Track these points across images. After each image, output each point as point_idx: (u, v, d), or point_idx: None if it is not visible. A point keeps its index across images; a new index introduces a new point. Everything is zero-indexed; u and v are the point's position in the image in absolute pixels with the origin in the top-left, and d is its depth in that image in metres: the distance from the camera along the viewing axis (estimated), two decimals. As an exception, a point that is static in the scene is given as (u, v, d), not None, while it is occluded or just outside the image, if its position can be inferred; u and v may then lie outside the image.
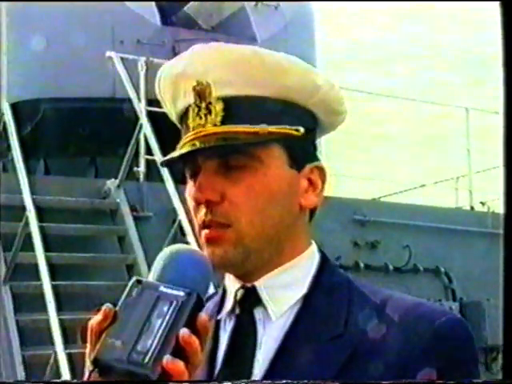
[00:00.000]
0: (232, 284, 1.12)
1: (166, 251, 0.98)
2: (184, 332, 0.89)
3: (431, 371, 1.00)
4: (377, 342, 1.03)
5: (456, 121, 8.16)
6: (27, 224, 5.31)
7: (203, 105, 1.09)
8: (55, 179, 6.83)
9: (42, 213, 5.46)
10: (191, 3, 7.25)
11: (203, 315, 0.93)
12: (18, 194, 5.53)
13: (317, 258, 1.13)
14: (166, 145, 5.94)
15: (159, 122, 5.99)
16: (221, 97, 1.08)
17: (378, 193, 9.67)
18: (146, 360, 0.89)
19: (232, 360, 1.08)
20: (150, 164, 6.04)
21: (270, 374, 1.04)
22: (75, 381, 0.94)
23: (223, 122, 1.08)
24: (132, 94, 6.09)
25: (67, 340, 4.94)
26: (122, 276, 5.87)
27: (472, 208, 8.17)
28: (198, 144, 1.08)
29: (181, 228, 5.40)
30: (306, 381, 0.99)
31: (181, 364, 0.88)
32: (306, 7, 7.99)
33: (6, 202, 5.78)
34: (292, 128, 1.09)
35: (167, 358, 0.88)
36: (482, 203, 8.09)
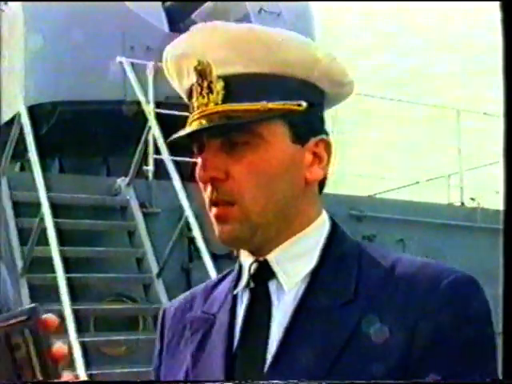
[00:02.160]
0: (246, 259, 1.09)
1: None
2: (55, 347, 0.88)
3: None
4: (386, 306, 0.99)
5: (448, 121, 8.15)
6: (42, 220, 5.31)
7: (205, 84, 1.05)
8: (69, 177, 6.84)
9: (56, 209, 5.46)
10: (198, 10, 7.25)
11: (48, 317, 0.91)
12: (34, 192, 5.53)
13: (327, 227, 1.09)
14: (173, 144, 5.94)
15: (167, 123, 5.99)
16: (221, 75, 1.04)
17: (374, 190, 9.66)
18: None
19: (248, 332, 1.05)
20: (159, 163, 6.04)
21: (284, 344, 1.01)
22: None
23: (224, 101, 1.04)
24: (141, 97, 6.11)
25: (80, 329, 4.94)
26: (132, 269, 5.88)
27: (463, 204, 8.16)
28: (201, 123, 1.05)
29: (187, 223, 5.41)
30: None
31: None
32: (306, 13, 7.96)
33: (22, 199, 5.79)
34: (294, 103, 1.05)
35: None
36: (472, 199, 8.08)
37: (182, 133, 1.06)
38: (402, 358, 0.96)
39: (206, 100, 1.05)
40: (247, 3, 7.31)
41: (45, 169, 5.98)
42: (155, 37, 7.02)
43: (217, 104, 1.04)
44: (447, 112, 8.24)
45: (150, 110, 6.09)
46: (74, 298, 5.03)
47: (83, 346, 4.77)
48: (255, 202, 1.03)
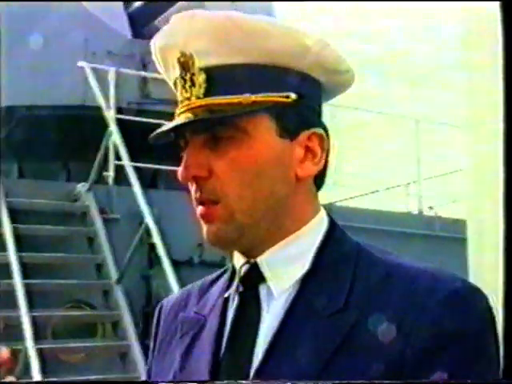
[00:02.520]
0: (238, 260, 1.02)
1: None
2: None
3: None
4: (378, 316, 0.92)
5: (406, 131, 8.25)
6: (0, 225, 5.23)
7: (188, 77, 0.99)
8: (28, 182, 6.75)
9: (15, 214, 5.38)
10: (161, 17, 7.22)
11: None
12: (-8, 197, 5.44)
13: (324, 227, 1.02)
14: (134, 150, 5.93)
15: (127, 128, 5.96)
16: (203, 67, 0.97)
17: (333, 198, 9.72)
18: None
19: (235, 338, 0.99)
20: (119, 169, 6.00)
21: (269, 353, 0.95)
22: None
23: (206, 94, 0.97)
24: (102, 103, 6.06)
25: (38, 336, 4.87)
26: (91, 275, 5.82)
27: (421, 212, 8.24)
28: (187, 117, 0.98)
29: (147, 230, 5.38)
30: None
31: None
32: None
33: (-20, 203, 5.70)
34: (281, 95, 0.97)
35: None
36: (431, 208, 8.17)
37: (163, 128, 1.00)
38: (392, 370, 0.89)
39: (188, 94, 0.99)
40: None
41: (4, 174, 5.89)
42: (117, 42, 6.99)
43: (199, 98, 0.98)
44: (406, 121, 8.33)
45: (110, 115, 6.05)
46: (32, 304, 4.96)
47: (40, 353, 4.70)
48: (240, 200, 0.97)
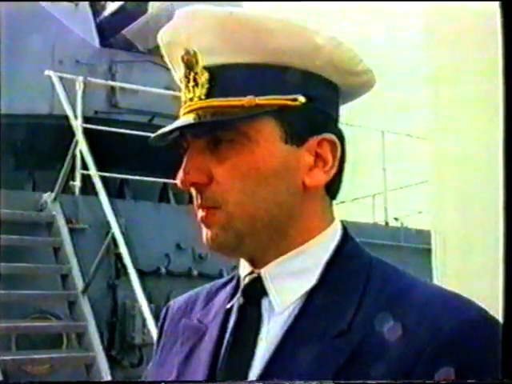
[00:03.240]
0: (243, 270, 0.97)
1: None
2: None
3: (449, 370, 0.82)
4: (382, 342, 0.85)
5: (372, 142, 8.32)
6: (-36, 234, 5.15)
7: (191, 76, 0.92)
8: (-7, 192, 6.66)
9: (-21, 224, 5.30)
10: (129, 27, 7.21)
11: None
12: (-44, 206, 5.36)
13: (335, 241, 0.95)
14: (101, 160, 5.89)
15: (95, 138, 5.92)
16: (207, 66, 0.91)
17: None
18: None
19: (233, 352, 0.93)
20: (86, 178, 5.96)
21: (265, 373, 0.89)
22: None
23: (208, 95, 0.91)
24: (69, 112, 6.02)
25: (1, 347, 4.79)
26: (56, 285, 5.75)
27: (387, 223, 8.30)
28: (188, 118, 0.92)
29: (114, 240, 5.34)
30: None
31: None
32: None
33: None
34: (288, 98, 0.90)
35: None
36: (396, 219, 8.24)
37: (163, 130, 0.93)
38: None
39: (191, 94, 0.93)
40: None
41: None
42: (85, 51, 6.95)
43: (201, 99, 0.92)
44: (372, 132, 8.40)
45: (77, 124, 6.01)
46: (-5, 315, 4.88)
47: (4, 364, 4.62)
48: (240, 208, 0.91)
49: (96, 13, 7.33)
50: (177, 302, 1.10)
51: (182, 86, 0.95)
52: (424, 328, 0.84)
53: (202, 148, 0.92)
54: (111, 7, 7.30)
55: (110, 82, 6.86)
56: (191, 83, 0.93)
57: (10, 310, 5.41)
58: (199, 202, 0.93)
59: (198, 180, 0.92)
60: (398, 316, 0.86)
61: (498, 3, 0.89)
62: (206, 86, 0.92)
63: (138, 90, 6.79)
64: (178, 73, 0.97)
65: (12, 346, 5.40)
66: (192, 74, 0.93)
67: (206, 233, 0.94)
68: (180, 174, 0.92)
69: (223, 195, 0.91)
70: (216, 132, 0.91)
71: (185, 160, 0.93)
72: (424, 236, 6.55)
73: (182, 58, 0.93)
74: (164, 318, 1.10)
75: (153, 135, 0.95)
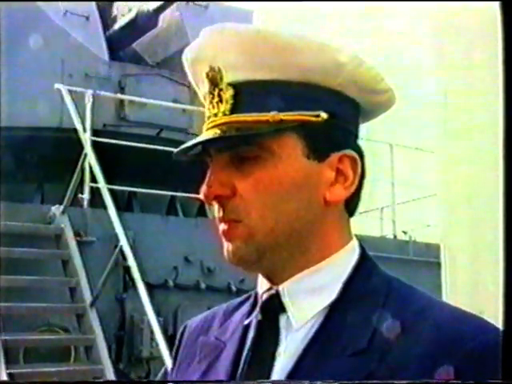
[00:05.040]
0: (262, 286, 0.97)
1: None
2: None
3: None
4: (401, 361, 0.85)
5: (380, 155, 8.32)
6: (-27, 247, 5.17)
7: (216, 92, 0.94)
8: (2, 204, 6.68)
9: (-12, 236, 5.31)
10: (139, 41, 7.24)
11: None
12: (-35, 218, 5.38)
13: (354, 259, 0.95)
14: (110, 173, 5.90)
15: (103, 151, 5.94)
16: (231, 83, 0.93)
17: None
18: None
19: (250, 369, 0.94)
20: (94, 191, 5.97)
21: None
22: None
23: (232, 111, 0.93)
24: (78, 125, 6.04)
25: (9, 360, 4.79)
26: (65, 298, 5.75)
27: (395, 237, 8.28)
28: (214, 133, 0.93)
29: (122, 253, 5.34)
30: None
31: None
32: (233, 9, 7.87)
33: (-48, 225, 5.62)
34: (311, 114, 0.92)
35: None
36: (404, 232, 8.21)
37: (186, 144, 0.95)
38: None
39: (216, 110, 0.95)
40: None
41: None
42: (95, 65, 6.99)
43: (225, 114, 0.94)
44: (381, 146, 8.39)
45: (86, 137, 6.03)
46: (5, 327, 4.88)
47: (11, 377, 4.62)
48: (263, 221, 0.92)
49: (106, 27, 7.38)
50: (194, 321, 1.10)
51: (206, 102, 0.97)
52: (444, 348, 0.85)
53: (226, 163, 0.94)
54: (121, 21, 7.34)
55: (119, 96, 6.89)
56: (216, 99, 0.95)
57: (19, 323, 5.42)
58: (221, 215, 0.94)
59: (221, 193, 0.93)
60: (417, 334, 0.87)
61: (499, 11, 0.89)
62: (231, 101, 0.93)
63: (147, 104, 6.82)
64: (202, 89, 0.99)
65: (20, 359, 5.40)
66: (217, 90, 0.95)
67: (226, 246, 0.95)
68: (203, 188, 0.94)
69: (246, 209, 0.93)
70: (239, 147, 0.93)
71: (208, 174, 0.95)
72: (432, 249, 6.52)
73: (207, 75, 0.95)
74: (181, 336, 1.10)
75: (178, 149, 0.96)
